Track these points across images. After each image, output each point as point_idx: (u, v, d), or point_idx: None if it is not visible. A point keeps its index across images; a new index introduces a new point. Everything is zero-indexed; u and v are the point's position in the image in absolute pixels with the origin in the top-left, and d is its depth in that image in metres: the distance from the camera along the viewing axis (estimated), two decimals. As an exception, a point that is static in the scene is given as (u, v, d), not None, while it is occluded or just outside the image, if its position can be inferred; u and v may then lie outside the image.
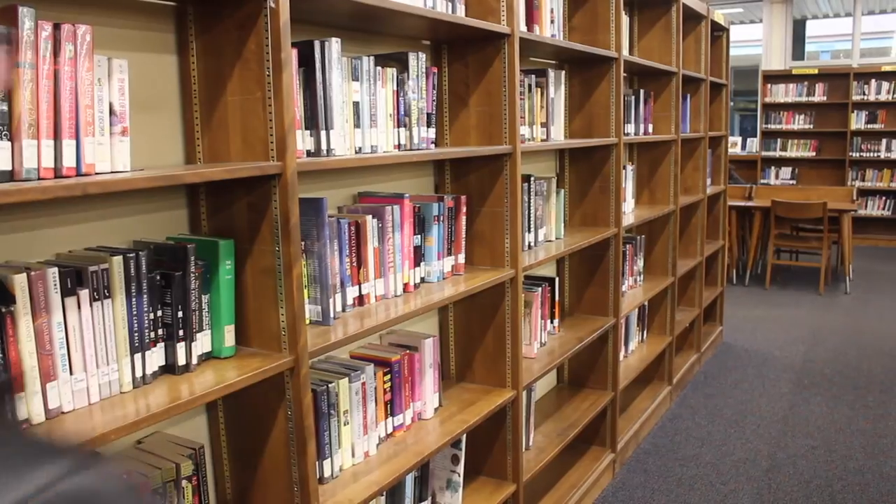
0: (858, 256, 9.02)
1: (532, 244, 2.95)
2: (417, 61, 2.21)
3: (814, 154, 10.38)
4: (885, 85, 9.84)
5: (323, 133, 1.87)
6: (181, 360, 1.59)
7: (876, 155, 9.97)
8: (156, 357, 1.55)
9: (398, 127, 2.16)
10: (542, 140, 2.96)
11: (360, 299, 2.10)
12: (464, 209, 2.53)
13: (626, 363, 3.99)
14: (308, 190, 2.17)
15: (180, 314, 1.59)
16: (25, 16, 1.26)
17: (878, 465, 3.68)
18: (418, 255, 2.32)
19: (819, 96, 10.28)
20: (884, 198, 10.03)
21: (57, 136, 1.32)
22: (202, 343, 1.66)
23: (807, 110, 10.40)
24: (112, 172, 1.43)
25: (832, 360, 5.32)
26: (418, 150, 2.23)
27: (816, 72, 10.32)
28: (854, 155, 10.05)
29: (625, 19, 3.78)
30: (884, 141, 9.92)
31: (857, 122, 10.02)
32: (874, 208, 10.07)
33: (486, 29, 2.37)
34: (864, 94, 9.97)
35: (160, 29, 1.73)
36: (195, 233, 1.82)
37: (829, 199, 7.31)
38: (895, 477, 3.56)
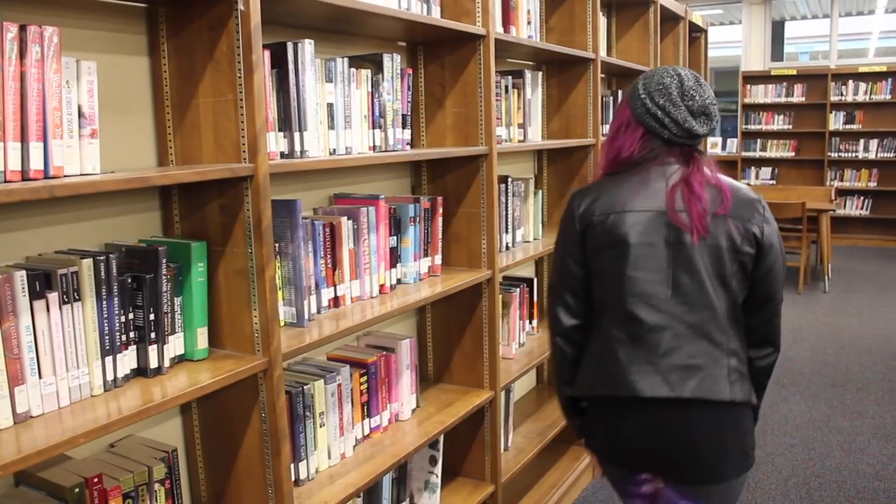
0: (837, 256, 9.11)
1: (510, 245, 2.96)
2: (392, 63, 2.21)
3: (793, 154, 10.46)
4: (863, 86, 9.93)
5: (297, 135, 1.86)
6: (153, 363, 1.59)
7: (854, 155, 10.06)
8: (127, 360, 1.55)
9: (373, 128, 2.16)
10: (519, 141, 2.97)
11: (336, 301, 2.10)
12: (440, 210, 2.53)
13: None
14: (283, 192, 2.16)
15: (152, 317, 1.58)
16: (-10, 17, 1.25)
17: (855, 463, 3.72)
18: (394, 257, 2.33)
19: (798, 97, 10.36)
20: (862, 197, 10.12)
21: (24, 139, 1.31)
22: (174, 345, 1.65)
23: (786, 111, 10.48)
24: (81, 175, 1.43)
25: (811, 359, 5.36)
26: (393, 151, 2.23)
27: (795, 73, 10.41)
28: (832, 155, 10.14)
29: (602, 20, 3.80)
30: (861, 141, 10.01)
31: (836, 122, 10.10)
32: (852, 208, 10.16)
33: (461, 30, 2.38)
34: (842, 94, 10.06)
35: (131, 30, 1.73)
36: (168, 235, 1.81)
37: (807, 199, 7.36)
38: (871, 474, 3.60)
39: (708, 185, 1.75)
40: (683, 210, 1.72)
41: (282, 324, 1.90)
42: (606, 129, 3.76)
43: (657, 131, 1.78)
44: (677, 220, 1.71)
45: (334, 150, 2.02)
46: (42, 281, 1.38)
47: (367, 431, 2.26)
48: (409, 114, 2.31)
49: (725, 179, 1.80)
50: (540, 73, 3.39)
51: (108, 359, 1.50)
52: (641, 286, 1.73)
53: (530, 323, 3.27)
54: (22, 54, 1.30)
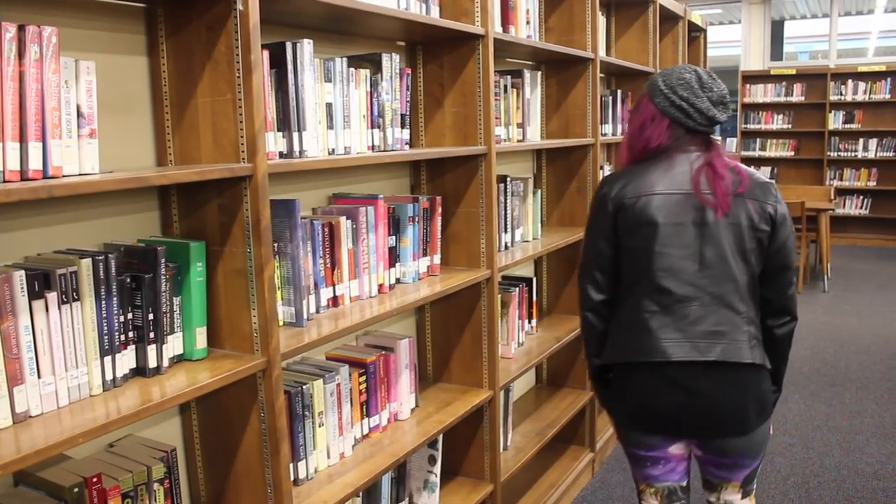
0: (836, 255, 9.11)
1: (509, 244, 2.96)
2: (391, 62, 2.21)
3: (792, 154, 10.46)
4: (862, 85, 9.93)
5: (295, 134, 1.87)
6: (152, 363, 1.59)
7: (853, 154, 10.06)
8: (126, 360, 1.55)
9: (372, 128, 2.16)
10: (518, 140, 2.97)
11: (335, 300, 2.10)
12: (439, 210, 2.53)
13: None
14: (282, 191, 2.16)
15: (151, 316, 1.58)
16: (-11, 17, 1.25)
17: (854, 462, 3.72)
18: (393, 256, 2.33)
19: (797, 96, 10.36)
20: (861, 197, 10.12)
21: (23, 139, 1.31)
22: (173, 345, 1.65)
23: (785, 110, 10.48)
24: (80, 175, 1.43)
25: (810, 358, 5.37)
26: (392, 151, 2.23)
27: (794, 72, 10.41)
28: (832, 154, 10.14)
29: (601, 20, 3.81)
30: (861, 140, 10.01)
31: (835, 121, 10.11)
32: (852, 207, 10.16)
33: (459, 30, 2.38)
34: (841, 94, 10.07)
35: (130, 30, 1.73)
36: (167, 234, 1.82)
37: (807, 199, 7.37)
38: (870, 473, 3.60)
39: (728, 168, 1.96)
40: (709, 191, 1.93)
41: (281, 323, 1.90)
42: (606, 128, 3.77)
43: (682, 121, 1.98)
44: (704, 199, 1.92)
45: (333, 150, 2.03)
46: (41, 281, 1.38)
47: (366, 431, 2.26)
48: (407, 113, 2.31)
49: (741, 164, 2.02)
50: (539, 73, 3.39)
51: (107, 358, 1.50)
52: (671, 261, 1.92)
53: (529, 322, 3.28)
54: (21, 54, 1.30)
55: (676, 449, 2.04)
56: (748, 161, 10.71)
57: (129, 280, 1.55)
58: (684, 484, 2.12)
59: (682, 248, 1.92)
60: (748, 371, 1.92)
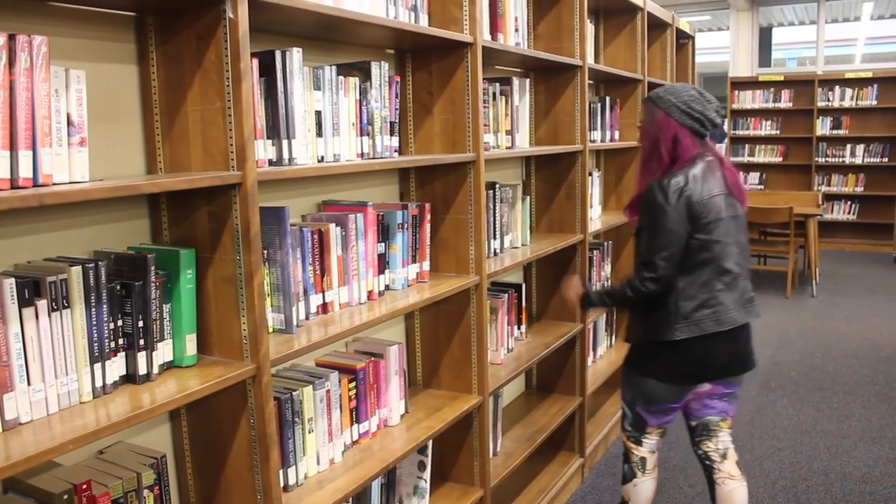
0: (825, 260, 9.17)
1: (498, 251, 2.98)
2: (380, 70, 2.23)
3: (780, 159, 10.53)
4: (849, 91, 10.01)
5: (285, 142, 1.88)
6: (142, 370, 1.60)
7: (841, 160, 10.13)
8: (116, 367, 1.55)
9: (361, 135, 2.17)
10: (506, 147, 2.99)
11: (324, 307, 2.11)
12: (428, 216, 2.55)
13: (594, 368, 4.03)
14: (271, 199, 2.18)
15: (141, 324, 1.59)
16: (-20, 27, 1.26)
17: (842, 466, 3.75)
18: (382, 263, 2.34)
19: (785, 102, 10.43)
20: (849, 202, 10.19)
21: (13, 147, 1.32)
22: (163, 352, 1.66)
23: (773, 116, 10.55)
24: (70, 183, 1.43)
25: (798, 363, 5.40)
26: (381, 158, 2.25)
27: (782, 78, 10.48)
28: (820, 160, 10.21)
29: (590, 27, 3.83)
30: (848, 146, 10.08)
31: (823, 127, 10.18)
32: (840, 212, 10.23)
33: (448, 38, 2.40)
34: (828, 100, 10.14)
35: (120, 39, 1.74)
36: (157, 242, 1.82)
37: (795, 204, 7.41)
38: (858, 476, 3.63)
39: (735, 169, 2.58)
40: (735, 188, 2.52)
41: (270, 330, 1.91)
42: (595, 135, 3.80)
43: (699, 131, 2.51)
44: (738, 197, 2.53)
45: (322, 158, 2.04)
46: (31, 288, 1.39)
47: (355, 437, 2.27)
48: (397, 121, 2.33)
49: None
50: (528, 80, 3.41)
51: (97, 365, 1.51)
52: (728, 248, 2.47)
53: (519, 328, 3.29)
54: (11, 63, 1.31)
55: (689, 394, 2.58)
56: (737, 167, 10.76)
57: (119, 287, 1.56)
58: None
59: (730, 236, 2.47)
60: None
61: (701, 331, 2.44)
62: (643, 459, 2.73)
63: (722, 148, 11.09)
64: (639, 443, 2.71)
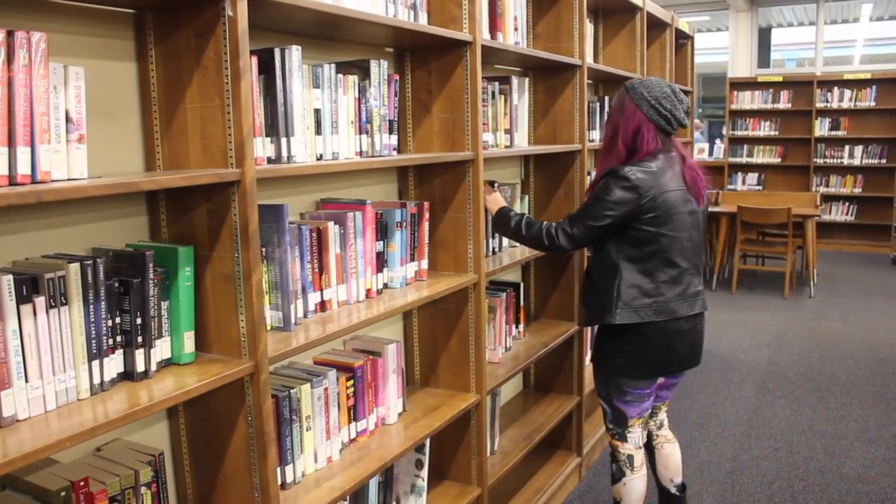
0: (822, 261, 9.17)
1: (496, 250, 2.98)
2: (379, 68, 2.23)
3: (779, 160, 10.54)
4: (848, 93, 10.02)
5: (284, 140, 1.88)
6: (140, 367, 1.60)
7: (839, 161, 10.14)
8: (114, 364, 1.55)
9: (360, 134, 2.17)
10: (505, 146, 2.99)
11: (322, 305, 2.11)
12: (426, 215, 2.55)
13: (591, 367, 4.02)
14: (270, 196, 2.17)
15: (139, 321, 1.59)
16: (-21, 23, 1.26)
17: (839, 466, 3.75)
18: (381, 261, 2.34)
19: (784, 103, 10.44)
20: (847, 203, 10.20)
21: (11, 144, 1.32)
22: (161, 349, 1.66)
23: (772, 117, 10.56)
24: (69, 180, 1.43)
25: (796, 364, 5.41)
26: (380, 156, 2.25)
27: (781, 79, 10.49)
28: (818, 161, 10.22)
29: (589, 27, 3.83)
30: (847, 147, 10.10)
31: (821, 128, 10.19)
32: (838, 213, 10.24)
33: (447, 37, 2.40)
34: (827, 101, 10.15)
35: (119, 36, 1.73)
36: (155, 239, 1.82)
37: (793, 205, 7.42)
38: (854, 477, 3.63)
39: (698, 166, 2.60)
40: (694, 187, 2.55)
41: (268, 328, 1.91)
42: (594, 134, 3.80)
43: (664, 128, 2.53)
44: (695, 194, 2.55)
45: (321, 156, 2.04)
46: (29, 285, 1.39)
47: (353, 435, 2.27)
48: (395, 119, 2.33)
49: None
50: (527, 80, 3.41)
51: (95, 363, 1.51)
52: (680, 242, 2.51)
53: (517, 327, 3.29)
54: (9, 60, 1.31)
55: (657, 381, 2.72)
56: (736, 167, 10.79)
57: (117, 284, 1.56)
58: None
59: (683, 231, 2.51)
60: (704, 316, 2.69)
61: (640, 318, 2.50)
62: (630, 457, 2.76)
63: (721, 149, 11.10)
64: (623, 438, 2.74)
